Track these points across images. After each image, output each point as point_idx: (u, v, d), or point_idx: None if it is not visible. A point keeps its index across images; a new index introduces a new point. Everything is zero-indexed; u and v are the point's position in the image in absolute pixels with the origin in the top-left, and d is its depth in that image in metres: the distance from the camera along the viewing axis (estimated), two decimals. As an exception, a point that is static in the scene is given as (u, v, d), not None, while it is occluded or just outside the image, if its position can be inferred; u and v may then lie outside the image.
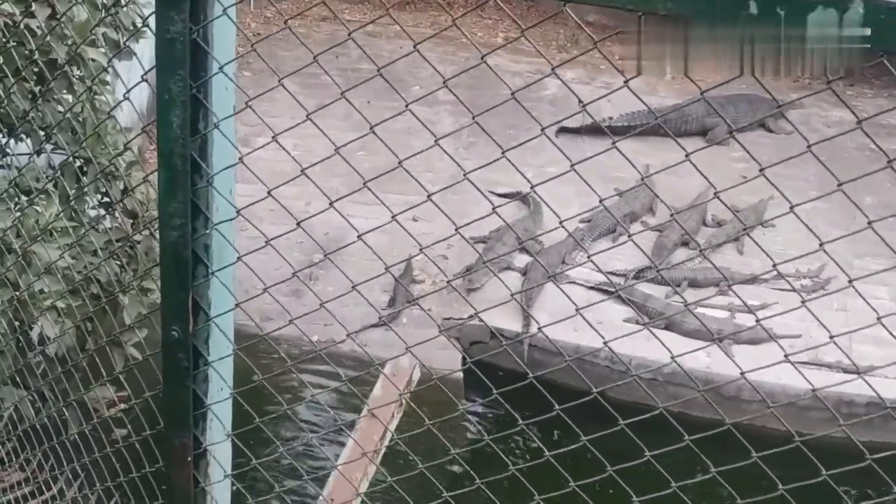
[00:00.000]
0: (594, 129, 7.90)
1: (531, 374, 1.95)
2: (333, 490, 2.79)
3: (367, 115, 1.86)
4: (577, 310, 1.87)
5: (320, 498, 2.84)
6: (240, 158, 1.74)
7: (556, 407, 1.86)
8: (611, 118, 8.47)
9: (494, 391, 1.96)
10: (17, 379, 3.40)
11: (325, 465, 4.58)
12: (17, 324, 3.27)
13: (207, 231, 1.69)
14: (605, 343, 1.85)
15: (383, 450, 3.05)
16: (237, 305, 1.84)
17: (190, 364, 1.75)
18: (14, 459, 3.62)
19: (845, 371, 5.67)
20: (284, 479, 2.38)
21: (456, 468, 5.58)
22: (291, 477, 4.91)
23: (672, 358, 1.91)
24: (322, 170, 1.97)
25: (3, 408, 3.44)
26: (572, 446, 1.96)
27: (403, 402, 3.09)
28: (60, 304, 3.10)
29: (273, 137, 1.86)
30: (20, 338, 3.28)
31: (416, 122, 1.94)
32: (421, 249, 2.51)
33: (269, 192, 1.93)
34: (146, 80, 1.83)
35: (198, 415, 1.80)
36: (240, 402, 1.96)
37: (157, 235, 3.41)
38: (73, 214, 3.40)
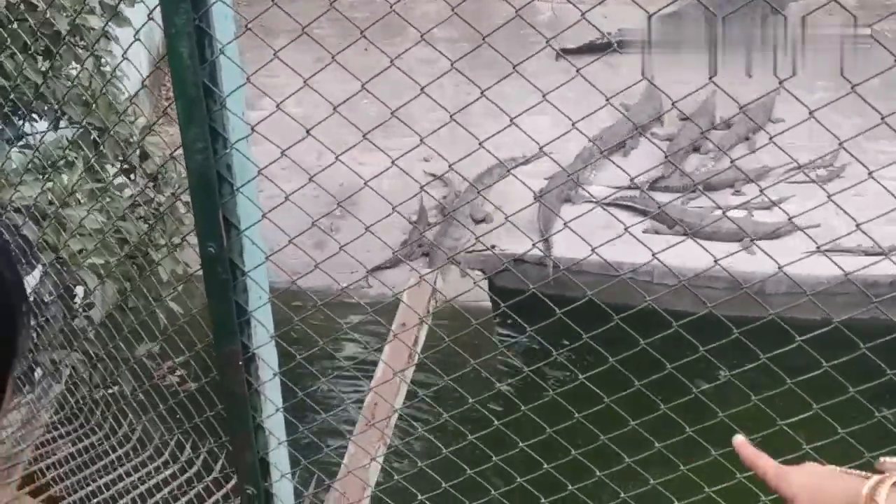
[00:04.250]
0: (594, 48, 7.80)
1: (555, 310, 2.00)
2: (371, 409, 2.93)
3: (365, 62, 1.89)
4: (626, 228, 1.91)
5: (360, 416, 2.98)
6: (247, 78, 1.82)
7: (584, 336, 1.92)
8: (610, 34, 8.34)
9: (528, 329, 2.02)
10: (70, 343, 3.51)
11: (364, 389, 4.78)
12: (61, 289, 3.37)
13: (227, 151, 1.80)
14: (653, 255, 1.89)
15: (412, 368, 3.18)
16: (267, 258, 1.93)
17: (229, 277, 1.87)
18: (82, 420, 3.80)
19: (867, 254, 5.69)
20: (327, 406, 2.52)
21: (495, 400, 5.75)
22: (333, 405, 5.11)
23: (715, 261, 1.96)
24: (330, 120, 2.00)
25: (60, 370, 3.58)
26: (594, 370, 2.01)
27: (430, 312, 3.21)
28: (99, 261, 3.19)
29: (277, 106, 1.90)
30: (67, 303, 3.39)
31: (418, 62, 1.96)
32: (422, 187, 2.56)
33: (282, 152, 1.98)
34: (152, 19, 1.91)
35: (242, 322, 1.92)
36: (280, 345, 2.06)
37: (178, 195, 3.51)
38: (98, 182, 3.48)
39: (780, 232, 6.16)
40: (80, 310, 3.48)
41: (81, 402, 3.74)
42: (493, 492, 2.20)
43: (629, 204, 6.96)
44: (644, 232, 6.58)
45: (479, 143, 1.84)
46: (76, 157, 3.47)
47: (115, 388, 3.47)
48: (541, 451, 2.16)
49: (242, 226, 1.85)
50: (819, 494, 1.21)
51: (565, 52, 8.21)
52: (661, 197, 7.07)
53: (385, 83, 2.04)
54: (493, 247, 6.79)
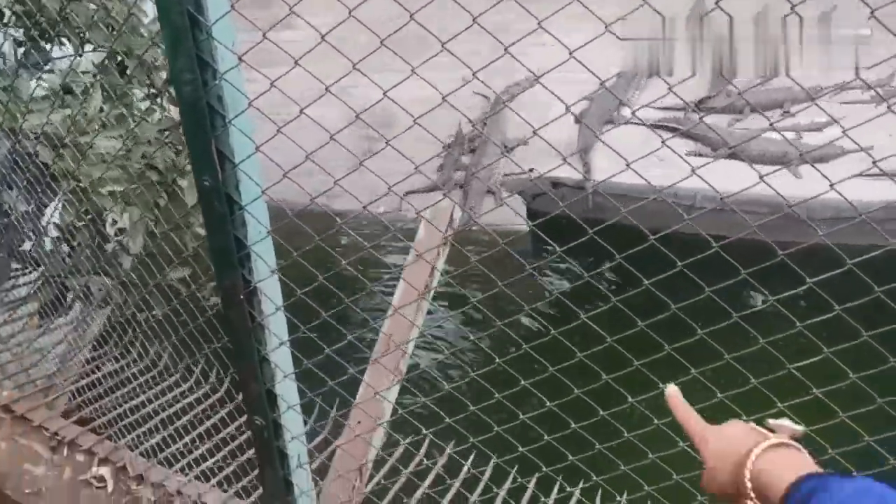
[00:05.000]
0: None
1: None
2: (391, 328, 2.97)
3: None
4: (663, 142, 1.85)
5: (380, 334, 3.01)
6: (231, 5, 1.76)
7: (618, 256, 1.88)
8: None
9: (558, 249, 1.99)
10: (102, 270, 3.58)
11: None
12: (87, 218, 3.42)
13: (217, 82, 1.76)
14: (692, 171, 1.84)
15: (433, 288, 3.19)
16: (263, 192, 1.92)
17: (226, 210, 1.86)
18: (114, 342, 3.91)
19: (918, 178, 5.52)
20: (347, 326, 2.56)
21: (528, 321, 5.78)
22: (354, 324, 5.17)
23: (761, 177, 1.89)
24: (368, 41, 1.96)
25: (93, 295, 3.67)
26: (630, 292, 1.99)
27: (448, 241, 3.20)
28: (118, 188, 3.20)
29: (295, 62, 1.85)
30: (97, 231, 3.43)
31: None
32: (442, 99, 2.48)
33: (327, 89, 1.93)
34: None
35: (242, 256, 1.93)
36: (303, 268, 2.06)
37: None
38: (124, 108, 3.48)
39: (828, 155, 5.98)
40: (113, 235, 3.52)
41: (114, 327, 3.84)
42: (521, 416, 2.22)
43: (673, 125, 6.80)
44: (688, 154, 6.44)
45: (505, 49, 1.76)
46: (93, 83, 3.44)
47: (149, 313, 3.54)
48: (574, 375, 2.17)
49: (237, 158, 1.82)
50: (722, 458, 1.25)
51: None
52: (707, 118, 6.89)
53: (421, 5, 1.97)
54: (531, 170, 6.73)
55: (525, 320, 5.72)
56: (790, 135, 6.47)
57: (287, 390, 2.12)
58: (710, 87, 7.10)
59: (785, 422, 1.26)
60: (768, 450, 1.20)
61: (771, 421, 1.27)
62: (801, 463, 1.18)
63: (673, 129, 6.76)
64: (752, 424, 1.28)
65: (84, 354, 3.97)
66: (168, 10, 1.73)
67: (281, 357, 2.07)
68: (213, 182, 1.83)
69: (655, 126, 6.73)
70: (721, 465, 1.25)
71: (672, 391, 1.39)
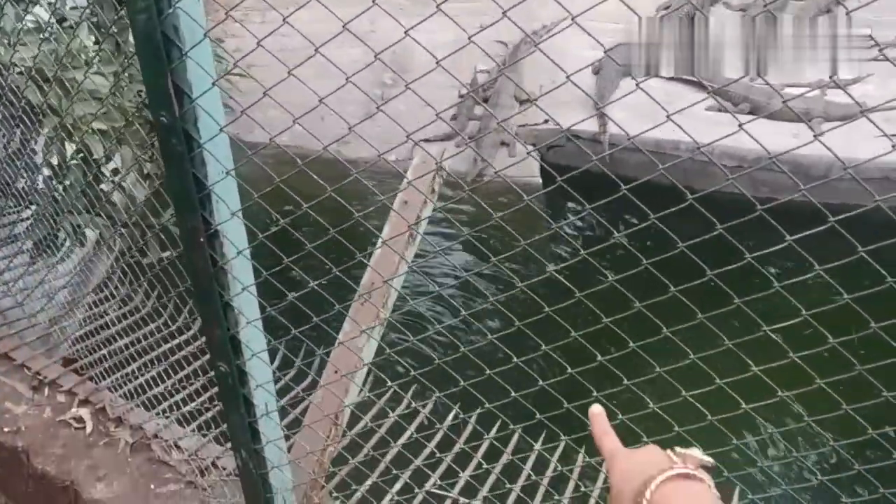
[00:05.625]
0: None
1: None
2: (378, 263, 2.92)
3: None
4: (668, 116, 1.79)
5: (368, 269, 2.97)
6: None
7: (652, 216, 1.82)
8: None
9: (586, 204, 1.93)
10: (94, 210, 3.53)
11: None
12: (80, 155, 3.35)
13: (171, 11, 1.68)
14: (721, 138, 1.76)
15: (422, 228, 3.13)
16: (221, 129, 1.85)
17: (184, 148, 1.78)
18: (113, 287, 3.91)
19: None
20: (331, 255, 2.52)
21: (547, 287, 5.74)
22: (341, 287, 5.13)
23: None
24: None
25: (82, 234, 3.63)
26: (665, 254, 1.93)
27: (436, 185, 3.13)
28: (102, 126, 3.13)
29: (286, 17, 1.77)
30: (87, 170, 3.38)
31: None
32: (469, 39, 2.41)
33: (344, 26, 1.86)
34: None
35: (202, 197, 1.85)
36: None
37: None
38: (118, 44, 3.39)
39: (852, 113, 5.85)
40: (109, 175, 3.46)
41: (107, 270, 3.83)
42: (539, 381, 2.19)
43: (692, 79, 6.66)
44: (707, 109, 6.32)
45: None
46: (80, 18, 3.34)
47: (143, 257, 3.50)
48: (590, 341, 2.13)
49: (194, 93, 1.72)
50: (627, 481, 1.21)
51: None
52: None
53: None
54: (545, 121, 6.62)
55: (536, 274, 5.69)
56: (815, 92, 6.33)
57: (251, 337, 2.04)
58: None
59: (694, 451, 1.21)
60: (669, 480, 1.14)
61: (678, 449, 1.21)
62: (699, 499, 1.13)
63: (692, 83, 6.63)
64: (669, 451, 1.24)
65: (87, 300, 3.97)
66: None
67: (245, 302, 1.99)
68: (171, 118, 1.73)
69: (672, 79, 6.59)
70: (625, 490, 1.20)
71: (597, 410, 1.37)
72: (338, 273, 2.09)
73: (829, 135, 1.73)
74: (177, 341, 3.73)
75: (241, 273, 1.98)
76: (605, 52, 2.02)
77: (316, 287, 2.03)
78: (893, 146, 1.73)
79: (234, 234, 1.94)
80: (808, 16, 6.67)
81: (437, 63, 1.84)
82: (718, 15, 7.12)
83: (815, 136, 1.76)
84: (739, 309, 1.85)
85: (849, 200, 2.24)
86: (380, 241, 2.88)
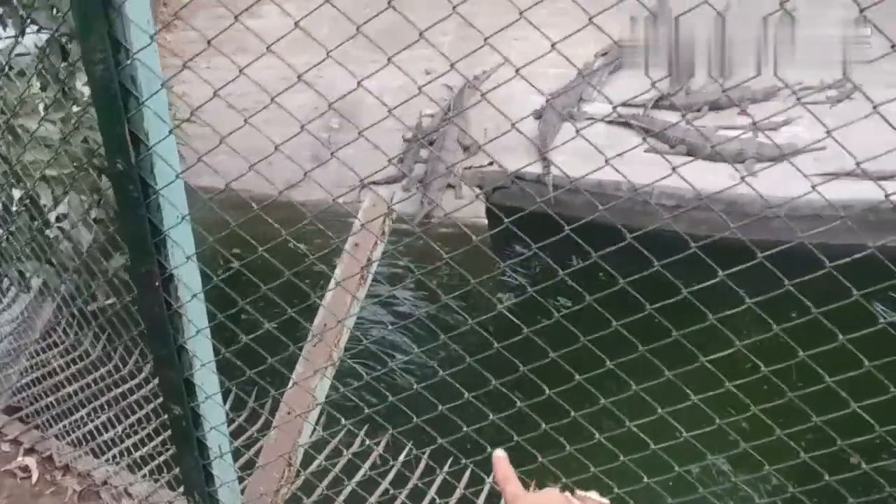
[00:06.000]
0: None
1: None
2: (330, 304, 2.93)
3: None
4: (606, 161, 1.86)
5: (320, 310, 2.98)
6: None
7: (594, 254, 1.88)
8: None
9: (533, 245, 1.99)
10: (42, 255, 3.48)
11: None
12: (27, 201, 3.31)
13: (129, 62, 1.71)
14: (673, 169, 1.84)
15: (365, 287, 3.18)
16: (178, 176, 1.88)
17: (140, 195, 1.83)
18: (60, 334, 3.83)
19: (870, 178, 5.65)
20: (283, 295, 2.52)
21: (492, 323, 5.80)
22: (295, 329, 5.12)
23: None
24: (331, 33, 1.94)
25: (28, 280, 3.57)
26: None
27: (386, 228, 3.18)
28: (54, 173, 3.11)
29: (267, 48, 1.81)
30: (35, 215, 3.33)
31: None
32: (419, 90, 2.47)
33: (299, 77, 1.90)
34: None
35: (158, 242, 1.89)
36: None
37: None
38: (66, 91, 3.38)
39: (784, 154, 6.09)
40: (54, 221, 3.42)
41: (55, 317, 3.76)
42: (490, 416, 2.22)
43: (631, 122, 6.87)
44: (645, 151, 6.51)
45: (485, 40, 1.75)
46: (29, 66, 3.32)
47: (93, 302, 3.46)
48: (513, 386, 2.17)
49: (151, 141, 1.78)
50: None
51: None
52: (666, 115, 6.97)
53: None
54: (490, 163, 6.75)
55: (484, 311, 5.73)
56: (746, 133, 6.58)
57: (205, 379, 2.06)
58: (669, 84, 7.19)
59: (593, 494, 1.26)
60: None
61: (578, 492, 1.26)
62: None
63: (631, 126, 6.83)
64: (569, 495, 1.28)
65: (31, 348, 3.87)
66: None
67: (199, 345, 2.02)
68: (127, 166, 1.77)
69: (613, 122, 6.79)
70: None
71: (500, 454, 1.41)
72: (293, 315, 2.11)
73: (766, 174, 1.83)
74: (128, 385, 3.66)
75: (195, 316, 2.00)
76: (547, 99, 2.08)
77: (271, 328, 2.05)
78: (813, 187, 1.83)
79: (188, 278, 1.96)
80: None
81: (388, 111, 1.90)
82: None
83: (742, 177, 1.86)
84: (679, 341, 1.92)
85: (782, 237, 2.34)
86: (332, 282, 2.90)
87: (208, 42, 1.93)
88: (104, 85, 1.72)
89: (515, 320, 2.10)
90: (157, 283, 1.91)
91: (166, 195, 1.84)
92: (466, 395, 2.12)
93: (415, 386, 2.22)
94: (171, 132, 1.82)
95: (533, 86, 1.86)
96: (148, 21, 1.73)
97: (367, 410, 2.31)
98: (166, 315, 1.96)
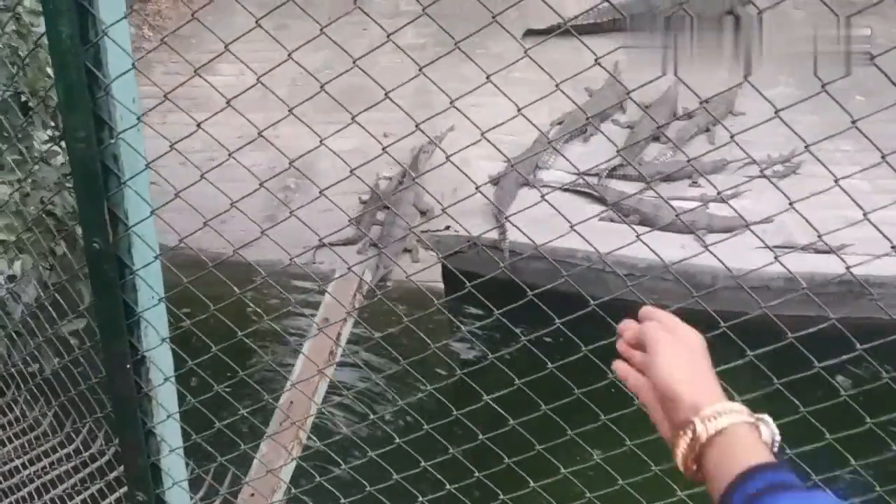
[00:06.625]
0: (563, 31, 7.78)
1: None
2: (286, 408, 2.86)
3: (328, 34, 1.81)
4: (571, 227, 1.87)
5: (279, 405, 2.90)
6: (133, 64, 1.70)
7: (557, 321, 1.87)
8: (576, 17, 8.31)
9: (495, 310, 1.97)
10: None
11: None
12: None
13: (113, 141, 1.69)
14: (638, 236, 1.84)
15: (335, 361, 3.12)
16: (157, 257, 1.85)
17: (116, 274, 1.79)
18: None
19: (817, 251, 5.78)
20: (243, 401, 2.41)
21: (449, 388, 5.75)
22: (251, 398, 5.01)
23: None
24: (289, 94, 1.93)
25: None
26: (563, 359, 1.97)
27: (353, 312, 3.15)
28: (9, 237, 3.03)
29: (227, 102, 1.81)
30: None
31: (379, 38, 1.90)
32: (382, 150, 2.47)
33: (259, 133, 1.89)
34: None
35: (131, 323, 1.85)
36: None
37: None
38: (23, 151, 3.31)
39: (733, 226, 6.22)
40: (3, 283, 3.32)
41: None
42: (447, 485, 2.16)
43: (586, 191, 6.97)
44: (600, 220, 6.60)
45: (451, 102, 1.75)
46: None
47: (35, 366, 3.32)
48: (473, 456, 2.13)
49: (131, 222, 1.75)
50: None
51: (533, 33, 8.19)
52: (620, 185, 7.10)
53: (348, 59, 1.96)
54: (447, 227, 6.75)
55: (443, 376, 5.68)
56: (697, 205, 6.72)
57: (173, 465, 2.00)
58: (623, 155, 7.35)
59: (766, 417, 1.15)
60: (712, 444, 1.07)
61: (759, 416, 1.15)
62: (754, 449, 1.07)
63: (586, 195, 6.93)
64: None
65: None
66: (64, 63, 1.65)
67: (168, 430, 1.96)
68: (104, 245, 1.74)
69: (567, 190, 6.88)
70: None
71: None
72: (270, 400, 2.06)
73: (714, 246, 1.85)
74: (80, 460, 3.47)
75: (166, 400, 1.94)
76: (510, 163, 2.09)
77: (246, 414, 2.00)
78: (776, 260, 1.84)
79: (161, 361, 1.91)
80: (687, 135, 7.12)
81: (350, 171, 1.90)
82: (607, 131, 7.53)
83: (704, 246, 1.87)
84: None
85: (732, 308, 2.37)
86: (298, 364, 2.84)
87: (165, 95, 1.91)
88: (85, 163, 1.70)
89: (476, 386, 2.07)
90: (128, 366, 1.86)
91: (143, 276, 1.80)
92: (422, 463, 2.07)
93: (370, 452, 2.16)
94: (152, 213, 1.78)
95: (499, 150, 1.87)
96: (133, 100, 1.73)
97: (317, 478, 2.23)
98: (136, 398, 1.89)
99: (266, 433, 2.75)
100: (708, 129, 7.57)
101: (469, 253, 6.62)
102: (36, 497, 3.25)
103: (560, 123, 7.65)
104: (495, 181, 7.05)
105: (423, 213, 6.98)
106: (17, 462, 3.40)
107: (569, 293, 1.96)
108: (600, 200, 6.86)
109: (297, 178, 6.90)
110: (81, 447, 3.56)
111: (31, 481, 3.32)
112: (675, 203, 6.69)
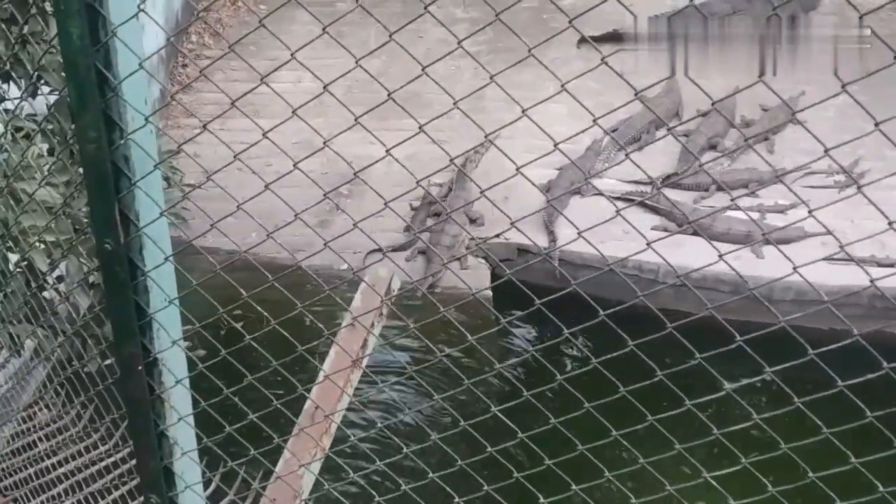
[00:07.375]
0: (615, 37, 7.70)
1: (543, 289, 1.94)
2: (318, 398, 2.84)
3: (395, 40, 1.82)
4: (648, 244, 1.84)
5: (307, 403, 2.89)
6: (139, 64, 1.71)
7: (601, 312, 1.86)
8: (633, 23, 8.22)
9: (564, 328, 1.97)
10: (34, 318, 3.42)
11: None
12: (23, 264, 3.28)
13: (123, 142, 1.70)
14: (647, 244, 1.83)
15: (367, 357, 3.09)
16: (167, 259, 1.86)
17: (127, 276, 1.79)
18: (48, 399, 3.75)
19: (879, 265, 5.61)
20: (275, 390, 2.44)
21: (498, 383, 5.72)
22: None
23: (720, 256, 1.87)
24: (345, 101, 1.95)
25: (20, 344, 3.51)
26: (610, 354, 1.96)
27: (384, 309, 3.12)
28: (50, 238, 3.10)
29: (293, 111, 1.83)
30: (30, 277, 3.29)
31: (438, 42, 1.91)
32: (450, 161, 2.47)
33: (325, 143, 1.90)
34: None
35: (143, 324, 1.84)
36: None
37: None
38: (75, 153, 3.38)
39: (789, 238, 6.08)
40: (50, 284, 3.38)
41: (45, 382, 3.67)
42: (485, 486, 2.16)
43: (638, 199, 6.90)
44: (652, 229, 6.52)
45: (523, 111, 1.75)
46: (35, 129, 3.34)
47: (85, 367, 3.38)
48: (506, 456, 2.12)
49: (141, 223, 1.76)
50: None
51: (586, 41, 8.13)
52: (673, 194, 6.99)
53: (408, 64, 1.96)
54: (497, 235, 6.73)
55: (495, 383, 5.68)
56: (754, 215, 6.58)
57: (186, 468, 1.99)
58: (677, 163, 7.24)
59: None
60: None
61: None
62: None
63: (639, 204, 6.85)
64: None
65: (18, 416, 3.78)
66: (75, 65, 1.66)
67: (181, 433, 1.95)
68: (115, 246, 1.74)
69: (620, 199, 6.81)
70: None
71: None
72: (279, 406, 2.06)
73: (769, 257, 1.82)
74: (115, 474, 3.53)
75: (178, 402, 1.93)
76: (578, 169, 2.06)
77: (256, 420, 2.00)
78: (796, 271, 1.79)
79: (173, 363, 1.91)
80: (695, 147, 6.91)
81: (417, 182, 1.90)
82: (662, 140, 7.42)
83: (719, 255, 1.82)
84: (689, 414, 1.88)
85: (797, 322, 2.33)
86: (321, 373, 2.84)
87: (232, 103, 1.93)
88: (95, 164, 1.71)
89: (517, 383, 2.06)
90: (139, 367, 1.86)
91: (154, 278, 1.81)
92: (457, 498, 2.06)
93: (403, 486, 2.16)
94: (161, 214, 1.80)
95: (568, 158, 1.86)
96: (144, 101, 1.73)
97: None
98: (148, 400, 1.90)
99: (288, 439, 2.72)
100: (767, 138, 7.42)
101: (517, 260, 6.61)
102: (70, 493, 3.32)
103: (615, 131, 7.57)
104: (546, 189, 7.02)
105: (472, 221, 6.98)
106: (55, 460, 3.47)
107: (617, 301, 1.95)
108: (654, 210, 6.78)
109: (350, 184, 6.97)
110: (113, 447, 3.63)
111: (67, 478, 3.39)
112: (731, 213, 6.57)
